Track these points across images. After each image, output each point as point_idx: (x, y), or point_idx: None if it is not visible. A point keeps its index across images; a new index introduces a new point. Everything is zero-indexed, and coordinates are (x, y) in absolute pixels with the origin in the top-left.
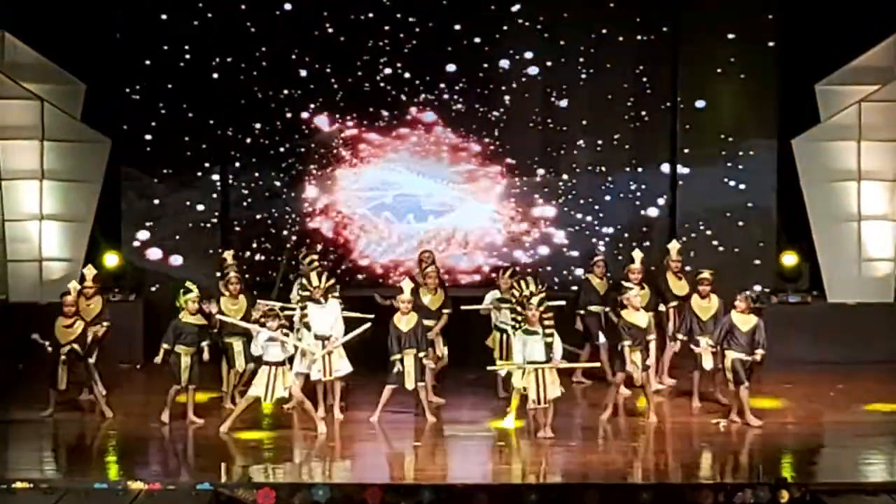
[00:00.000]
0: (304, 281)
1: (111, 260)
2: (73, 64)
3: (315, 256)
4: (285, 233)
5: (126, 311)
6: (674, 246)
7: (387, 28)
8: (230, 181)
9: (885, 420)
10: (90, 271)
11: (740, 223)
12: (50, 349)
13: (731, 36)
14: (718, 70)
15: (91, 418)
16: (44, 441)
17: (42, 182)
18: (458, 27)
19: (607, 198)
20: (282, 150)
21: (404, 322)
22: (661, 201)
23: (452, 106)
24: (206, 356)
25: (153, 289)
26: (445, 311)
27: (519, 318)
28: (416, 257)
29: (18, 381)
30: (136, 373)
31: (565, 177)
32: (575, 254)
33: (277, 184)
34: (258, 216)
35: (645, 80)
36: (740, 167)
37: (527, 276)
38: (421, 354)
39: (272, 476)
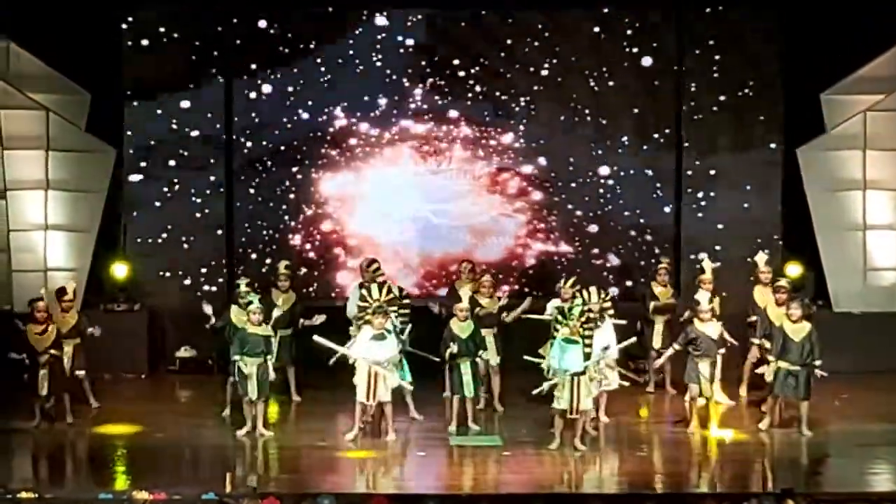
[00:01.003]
0: (364, 291)
1: (120, 270)
2: (77, 74)
3: (377, 265)
4: (292, 241)
5: (130, 322)
6: (761, 258)
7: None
8: (235, 190)
9: (891, 430)
10: (71, 285)
11: (745, 232)
12: (27, 362)
13: (736, 45)
14: (723, 79)
15: (96, 429)
16: (48, 451)
17: (47, 192)
18: None
19: (612, 205)
20: (289, 157)
21: (460, 328)
22: (666, 209)
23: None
24: (272, 374)
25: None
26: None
27: (559, 326)
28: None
29: (23, 390)
30: (139, 383)
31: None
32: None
33: (283, 192)
34: (263, 223)
35: (651, 88)
36: (745, 176)
37: (590, 287)
38: (478, 360)
39: (277, 485)
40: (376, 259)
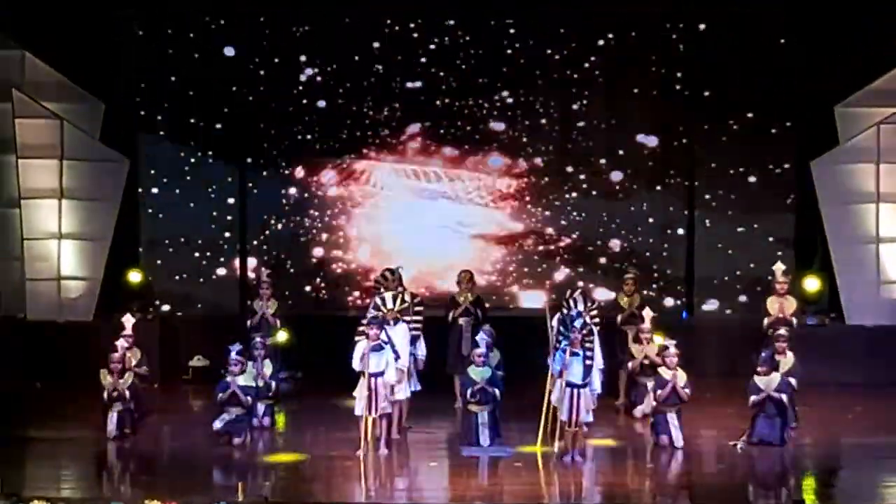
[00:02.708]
0: (378, 300)
1: (134, 277)
2: (92, 83)
3: (399, 273)
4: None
5: (142, 329)
6: (778, 267)
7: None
8: (249, 197)
9: None
10: (129, 320)
11: (758, 245)
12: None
13: (750, 58)
14: (737, 92)
15: (107, 437)
16: (61, 459)
17: (61, 201)
18: None
19: (624, 219)
20: (305, 166)
21: (477, 373)
22: (679, 226)
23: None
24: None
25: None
26: None
27: (561, 337)
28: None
29: (36, 398)
30: (153, 391)
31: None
32: None
33: (297, 199)
34: (277, 231)
35: (663, 104)
36: (759, 188)
37: (576, 294)
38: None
39: (288, 495)
40: (393, 269)
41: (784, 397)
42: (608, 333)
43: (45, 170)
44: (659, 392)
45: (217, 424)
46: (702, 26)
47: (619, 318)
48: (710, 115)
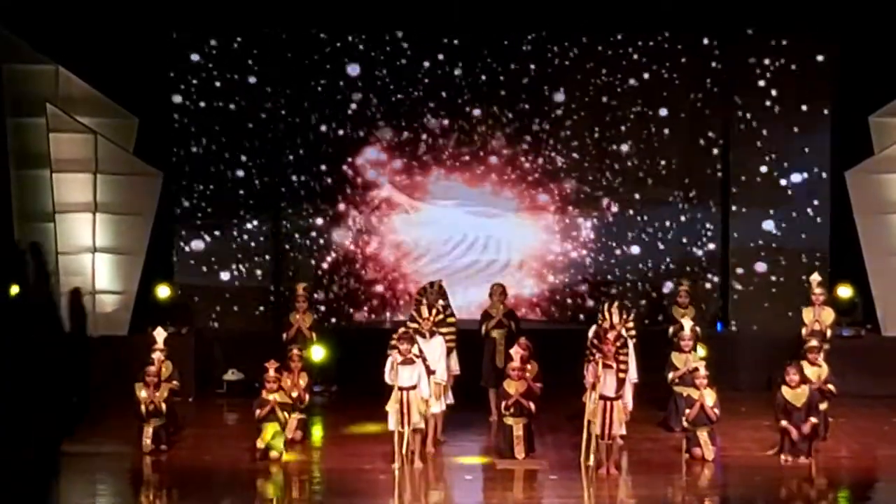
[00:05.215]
0: (414, 312)
1: (163, 291)
2: (126, 98)
3: (440, 287)
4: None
5: (177, 344)
6: (814, 278)
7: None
8: (283, 213)
9: None
10: (161, 334)
11: (793, 256)
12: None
13: (785, 69)
14: (772, 101)
15: (142, 451)
16: (96, 473)
17: (95, 215)
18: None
19: (653, 232)
20: (333, 183)
21: (513, 387)
22: (711, 235)
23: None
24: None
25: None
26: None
27: (595, 350)
28: None
29: (72, 413)
30: (187, 406)
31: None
32: None
33: (329, 217)
34: (311, 247)
35: (696, 111)
36: (793, 199)
37: (612, 307)
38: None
39: None
40: (433, 282)
41: (813, 420)
42: (646, 346)
43: (79, 184)
44: (688, 412)
45: (259, 444)
46: (739, 41)
47: (670, 330)
48: (744, 123)
